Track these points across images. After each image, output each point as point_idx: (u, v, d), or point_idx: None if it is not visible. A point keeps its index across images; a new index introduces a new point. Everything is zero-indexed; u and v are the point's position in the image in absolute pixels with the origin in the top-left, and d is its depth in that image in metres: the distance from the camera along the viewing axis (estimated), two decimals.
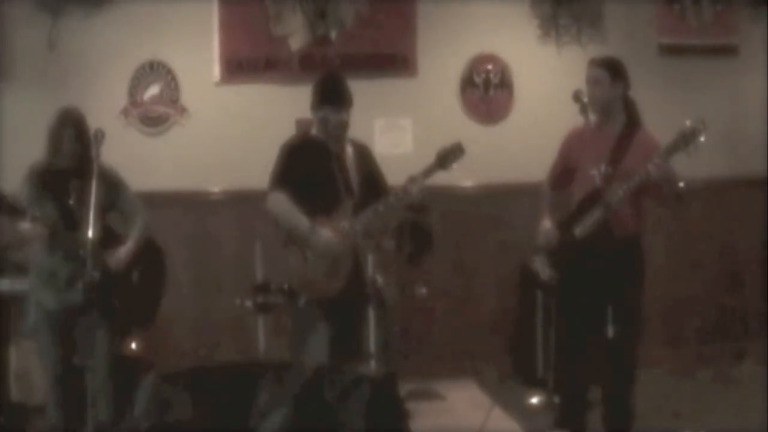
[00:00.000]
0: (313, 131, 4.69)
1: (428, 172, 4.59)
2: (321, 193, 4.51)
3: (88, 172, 4.14)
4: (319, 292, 4.50)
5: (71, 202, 4.23)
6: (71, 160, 4.26)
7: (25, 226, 4.10)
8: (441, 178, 6.19)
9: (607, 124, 4.60)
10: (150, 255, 4.58)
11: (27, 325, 4.38)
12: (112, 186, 4.44)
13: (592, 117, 4.57)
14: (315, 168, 4.54)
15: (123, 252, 4.39)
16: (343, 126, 4.61)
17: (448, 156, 4.62)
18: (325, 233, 4.46)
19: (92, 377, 4.18)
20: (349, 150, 4.70)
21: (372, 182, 4.71)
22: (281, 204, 4.50)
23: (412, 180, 4.55)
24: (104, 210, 4.34)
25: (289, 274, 4.57)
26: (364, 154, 4.79)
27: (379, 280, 5.44)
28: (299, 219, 4.47)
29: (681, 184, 4.42)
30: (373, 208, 4.55)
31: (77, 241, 4.07)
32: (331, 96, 4.60)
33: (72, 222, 4.20)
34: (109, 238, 4.35)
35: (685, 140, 4.27)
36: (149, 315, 4.62)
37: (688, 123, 4.28)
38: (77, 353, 4.24)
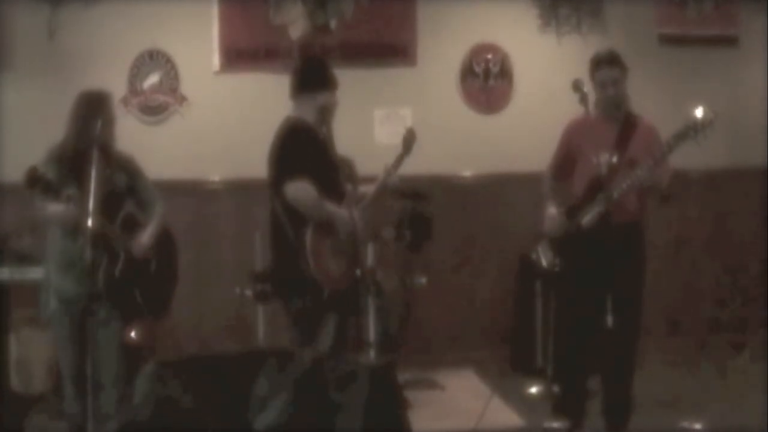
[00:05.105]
0: (299, 116, 4.47)
1: (399, 160, 4.74)
2: (329, 182, 4.36)
3: (109, 157, 4.05)
4: (334, 282, 4.32)
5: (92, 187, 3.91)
6: (95, 145, 3.93)
7: (55, 207, 3.94)
8: (440, 168, 6.26)
9: (613, 115, 4.59)
10: (166, 245, 4.50)
11: (45, 314, 4.28)
12: (131, 174, 4.36)
13: (593, 109, 4.55)
14: (322, 156, 4.40)
15: (144, 236, 4.30)
16: (335, 109, 4.50)
17: (409, 142, 4.81)
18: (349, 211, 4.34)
19: (104, 369, 4.09)
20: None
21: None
22: (308, 192, 4.27)
23: (387, 172, 4.63)
24: (123, 197, 4.27)
25: (307, 264, 4.30)
26: (332, 138, 4.57)
27: (379, 270, 5.46)
28: (329, 205, 4.31)
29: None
30: (369, 198, 4.49)
31: (103, 227, 3.96)
32: (327, 79, 4.48)
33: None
34: (131, 225, 4.28)
35: (695, 129, 4.26)
36: (165, 306, 4.54)
37: (699, 112, 4.26)
38: (90, 344, 4.08)
